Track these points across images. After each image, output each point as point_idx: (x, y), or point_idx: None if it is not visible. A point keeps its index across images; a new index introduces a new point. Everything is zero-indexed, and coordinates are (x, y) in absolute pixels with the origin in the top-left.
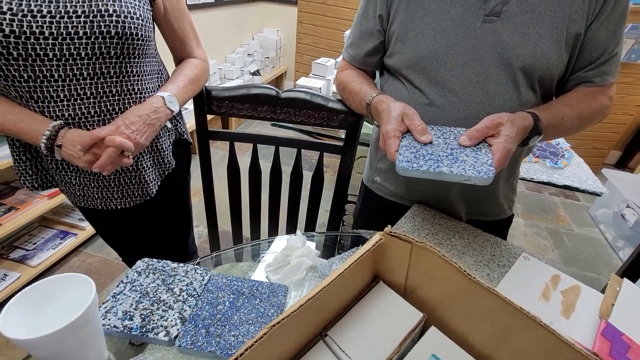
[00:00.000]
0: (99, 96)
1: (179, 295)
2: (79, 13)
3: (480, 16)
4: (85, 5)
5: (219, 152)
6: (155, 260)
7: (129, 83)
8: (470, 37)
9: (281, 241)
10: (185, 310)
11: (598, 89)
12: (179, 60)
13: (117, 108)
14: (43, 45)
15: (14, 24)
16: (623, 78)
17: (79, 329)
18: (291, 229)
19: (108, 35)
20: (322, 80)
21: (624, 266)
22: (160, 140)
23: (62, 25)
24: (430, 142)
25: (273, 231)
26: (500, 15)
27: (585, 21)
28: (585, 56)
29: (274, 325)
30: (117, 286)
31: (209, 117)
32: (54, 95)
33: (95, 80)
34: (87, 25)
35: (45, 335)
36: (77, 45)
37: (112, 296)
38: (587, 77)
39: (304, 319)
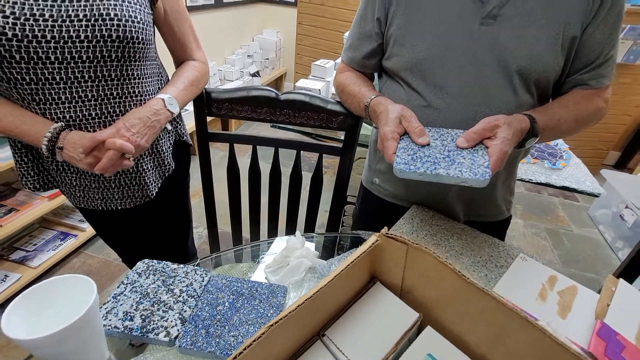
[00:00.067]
0: (100, 99)
1: (179, 296)
2: (81, 17)
3: (477, 19)
4: (87, 9)
5: (218, 152)
6: (155, 261)
7: (129, 86)
8: (468, 40)
9: (281, 242)
10: (185, 311)
11: (594, 91)
12: (179, 62)
13: (117, 110)
14: (45, 49)
15: (17, 28)
16: (622, 79)
17: (80, 329)
18: (291, 230)
19: (109, 39)
20: (322, 81)
21: (622, 266)
22: (160, 142)
23: (64, 29)
24: (428, 144)
25: (272, 232)
26: (497, 18)
27: (581, 24)
28: (581, 59)
29: (272, 325)
30: (118, 287)
31: (209, 118)
32: (56, 97)
33: (97, 83)
34: (88, 29)
35: (47, 335)
36: (78, 49)
37: (112, 297)
38: (583, 80)
39: (302, 319)
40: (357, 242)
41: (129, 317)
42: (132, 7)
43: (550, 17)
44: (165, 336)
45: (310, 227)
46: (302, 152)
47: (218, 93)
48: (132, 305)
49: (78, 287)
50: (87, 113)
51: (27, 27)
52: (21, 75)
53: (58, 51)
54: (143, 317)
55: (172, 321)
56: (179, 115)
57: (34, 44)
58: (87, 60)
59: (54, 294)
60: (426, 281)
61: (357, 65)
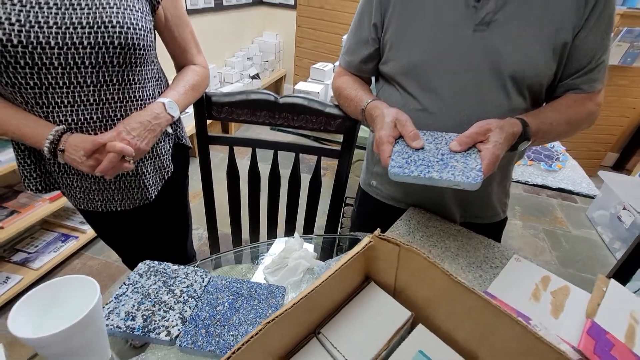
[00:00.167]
0: (101, 103)
1: (180, 297)
2: (84, 24)
3: (471, 25)
4: (90, 16)
5: (218, 155)
6: (156, 262)
7: (130, 90)
8: (462, 45)
9: (280, 243)
10: (185, 311)
11: (586, 95)
12: (180, 67)
13: (119, 114)
14: (49, 55)
15: (22, 35)
16: (619, 81)
17: (85, 328)
18: (290, 231)
19: (112, 46)
20: (321, 84)
21: (616, 267)
22: (160, 145)
23: (68, 35)
24: (422, 148)
25: (272, 234)
26: (490, 24)
27: (573, 30)
28: (573, 64)
29: (269, 322)
30: (120, 288)
31: (209, 120)
32: (59, 101)
33: (99, 87)
34: (91, 36)
35: (52, 334)
36: (81, 55)
37: (114, 297)
38: (575, 84)
39: (298, 317)
40: (355, 243)
41: (131, 317)
42: (133, 15)
43: (542, 23)
44: (166, 335)
45: (309, 228)
46: (301, 154)
47: (218, 97)
48: (134, 306)
49: (81, 287)
50: (89, 117)
51: (32, 34)
52: (25, 80)
53: (62, 57)
54: (144, 317)
55: (172, 321)
56: (179, 118)
57: (39, 50)
58: (90, 66)
59: (59, 294)
60: (417, 281)
61: (355, 69)
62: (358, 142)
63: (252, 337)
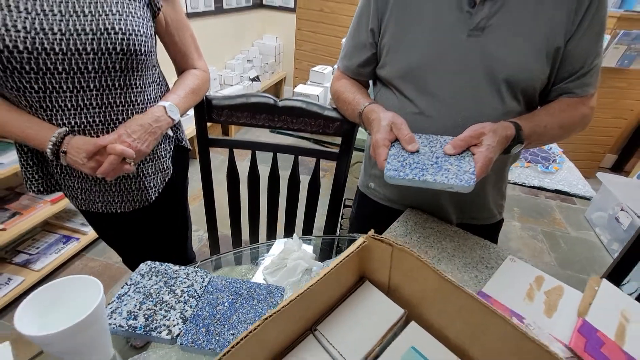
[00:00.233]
0: (104, 106)
1: (181, 297)
2: (87, 31)
3: (465, 30)
4: (94, 23)
5: (219, 157)
6: (157, 263)
7: (132, 94)
8: (457, 50)
9: (279, 244)
10: (186, 311)
11: (579, 99)
12: (181, 71)
13: (120, 117)
14: (54, 60)
15: (27, 41)
16: (617, 83)
17: (89, 326)
18: (289, 232)
19: (114, 51)
20: (320, 87)
21: (611, 267)
22: (160, 147)
23: (72, 41)
24: (417, 151)
25: (271, 235)
26: (485, 30)
27: (564, 36)
28: (566, 68)
29: (266, 319)
30: (122, 288)
31: (209, 123)
32: (62, 105)
33: (101, 91)
34: (94, 42)
35: (57, 331)
36: (85, 60)
37: (117, 297)
38: (568, 89)
39: (295, 314)
40: None
41: (133, 317)
42: (135, 22)
43: (535, 28)
44: (167, 334)
45: (308, 229)
46: (300, 156)
47: (218, 100)
48: (136, 305)
49: (85, 287)
50: (91, 120)
51: (37, 40)
52: (30, 84)
53: (66, 62)
54: (146, 316)
55: (174, 320)
56: (179, 121)
57: (44, 55)
58: (93, 71)
59: (62, 294)
60: (410, 280)
61: (353, 73)
62: (357, 145)
63: (250, 332)
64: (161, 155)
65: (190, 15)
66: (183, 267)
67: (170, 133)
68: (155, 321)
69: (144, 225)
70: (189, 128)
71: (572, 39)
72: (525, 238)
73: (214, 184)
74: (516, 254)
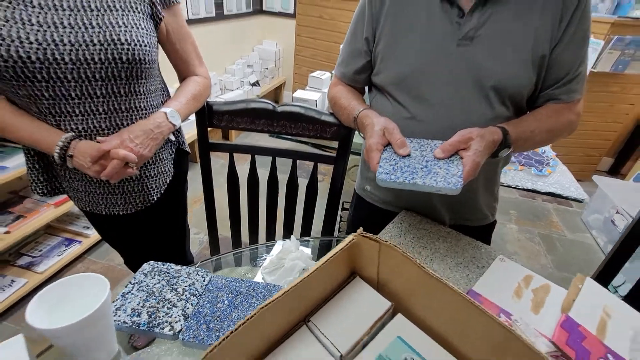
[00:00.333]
0: (109, 112)
1: (182, 295)
2: (95, 42)
3: (455, 40)
4: (101, 35)
5: (219, 161)
6: (160, 263)
7: (136, 101)
8: (447, 59)
9: (279, 246)
10: (187, 308)
11: (566, 105)
12: (182, 78)
13: (125, 123)
14: (64, 70)
15: (40, 52)
16: (611, 87)
17: (96, 321)
18: (288, 234)
19: (120, 61)
20: (318, 92)
21: (601, 266)
22: (162, 151)
23: (81, 52)
24: (409, 155)
25: (270, 237)
26: (473, 40)
27: (550, 44)
28: (552, 75)
29: (262, 307)
30: (126, 286)
31: (210, 128)
32: (71, 111)
33: (107, 98)
34: (102, 53)
35: (67, 325)
36: (92, 70)
37: (121, 295)
38: (555, 95)
39: (289, 305)
40: None
41: (137, 314)
42: (139, 33)
43: (522, 38)
44: (169, 330)
45: (306, 231)
46: (299, 160)
47: (218, 105)
48: (139, 303)
49: (91, 285)
50: (98, 125)
51: (49, 52)
52: (41, 92)
53: (75, 72)
54: (149, 313)
55: (175, 317)
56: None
57: (54, 65)
58: (100, 79)
59: (70, 291)
60: (397, 275)
61: (349, 79)
62: (354, 148)
63: (247, 319)
64: (163, 158)
65: (191, 21)
66: (184, 267)
67: (172, 138)
68: (158, 318)
69: (145, 227)
70: (189, 132)
71: (557, 47)
72: (522, 240)
73: (214, 187)
74: (513, 256)
